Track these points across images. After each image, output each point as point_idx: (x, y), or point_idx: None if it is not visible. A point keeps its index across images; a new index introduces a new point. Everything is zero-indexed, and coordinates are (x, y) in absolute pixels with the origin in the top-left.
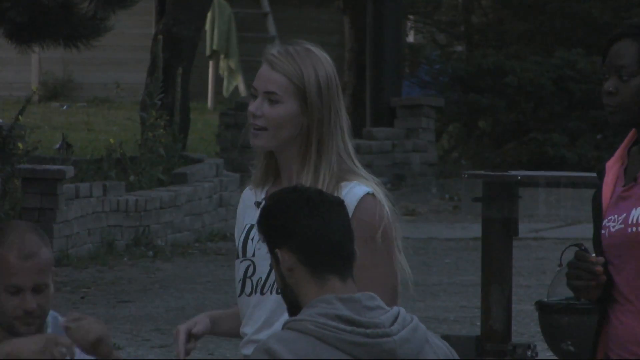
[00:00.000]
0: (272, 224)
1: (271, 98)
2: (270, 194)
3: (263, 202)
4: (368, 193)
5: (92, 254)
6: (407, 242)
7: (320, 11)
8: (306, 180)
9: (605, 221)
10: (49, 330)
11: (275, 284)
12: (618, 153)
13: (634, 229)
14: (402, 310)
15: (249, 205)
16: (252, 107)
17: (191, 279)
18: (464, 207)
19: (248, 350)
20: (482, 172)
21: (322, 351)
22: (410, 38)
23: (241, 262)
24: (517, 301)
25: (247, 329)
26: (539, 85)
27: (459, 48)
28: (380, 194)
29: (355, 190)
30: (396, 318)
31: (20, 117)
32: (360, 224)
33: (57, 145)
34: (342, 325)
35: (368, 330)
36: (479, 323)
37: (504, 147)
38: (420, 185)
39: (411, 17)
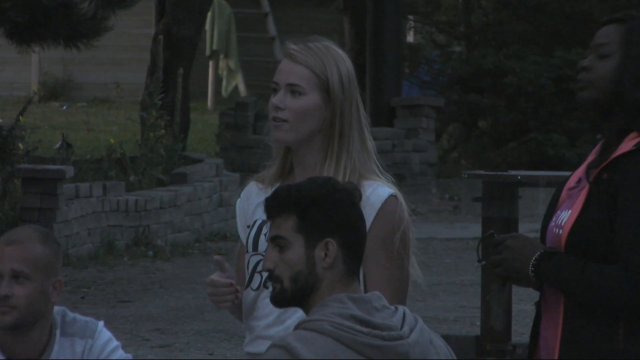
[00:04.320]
0: (325, 213)
1: (294, 90)
2: (313, 180)
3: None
4: (392, 194)
5: (92, 254)
6: None
7: (320, 11)
8: (328, 174)
9: (554, 215)
10: (57, 329)
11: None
12: (598, 145)
13: (558, 231)
14: (407, 309)
15: (256, 202)
16: (275, 99)
17: (191, 279)
18: (464, 207)
19: (256, 348)
20: (482, 172)
21: (339, 352)
22: (410, 38)
23: (252, 256)
24: (517, 301)
25: (254, 323)
26: (539, 85)
27: (459, 48)
28: (401, 196)
29: (379, 191)
30: (403, 319)
31: (21, 117)
32: (383, 225)
33: (57, 145)
34: (358, 327)
35: (384, 333)
36: (479, 323)
37: (504, 147)
38: (420, 185)
39: (411, 17)
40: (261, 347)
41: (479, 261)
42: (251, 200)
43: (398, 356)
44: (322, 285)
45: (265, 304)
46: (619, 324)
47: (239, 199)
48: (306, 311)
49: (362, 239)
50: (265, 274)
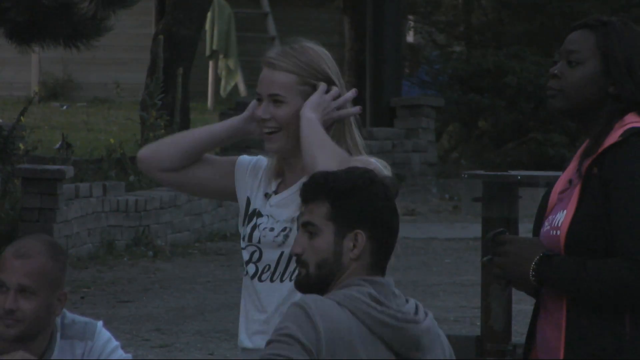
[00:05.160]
0: (358, 204)
1: (276, 99)
2: (352, 169)
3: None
4: (371, 160)
5: (92, 254)
6: (407, 242)
7: (320, 11)
8: None
9: (546, 220)
10: (58, 332)
11: (287, 271)
12: (580, 149)
13: (555, 232)
14: (418, 302)
15: (261, 184)
16: (260, 112)
17: (191, 279)
18: (464, 207)
19: (254, 343)
20: (482, 172)
21: (354, 325)
22: (410, 38)
23: (246, 246)
24: (517, 301)
25: (256, 315)
26: (539, 85)
27: (459, 48)
28: (380, 164)
29: (357, 157)
30: (417, 308)
31: (22, 118)
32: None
33: (57, 145)
34: (373, 303)
35: (398, 314)
36: (479, 323)
37: (504, 147)
38: (420, 185)
39: (411, 17)
40: (260, 342)
41: (485, 257)
42: (258, 174)
43: (408, 339)
44: (344, 275)
45: (262, 296)
46: (624, 320)
47: (251, 159)
48: None
49: (393, 235)
50: (260, 266)
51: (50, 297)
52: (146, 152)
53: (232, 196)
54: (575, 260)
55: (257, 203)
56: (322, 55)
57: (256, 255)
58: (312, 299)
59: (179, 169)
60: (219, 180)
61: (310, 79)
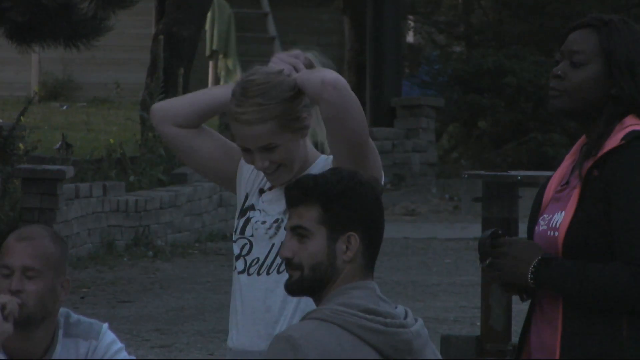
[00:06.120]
0: (350, 206)
1: (268, 147)
2: (338, 172)
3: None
4: None
5: (92, 254)
6: (407, 242)
7: (320, 11)
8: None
9: (540, 218)
10: (60, 330)
11: (274, 263)
12: (575, 146)
13: (553, 233)
14: (407, 309)
15: (260, 181)
16: (258, 165)
17: (191, 279)
18: (464, 207)
19: (241, 341)
20: (482, 172)
21: (344, 338)
22: (410, 38)
23: (238, 239)
24: (517, 301)
25: (242, 311)
26: (539, 85)
27: (459, 48)
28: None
29: None
30: (406, 314)
31: (22, 118)
32: None
33: (57, 145)
34: (361, 313)
35: (387, 320)
36: (479, 323)
37: (504, 147)
38: (420, 185)
39: (411, 17)
40: (246, 341)
41: (482, 262)
42: (252, 172)
43: (401, 343)
44: (339, 278)
45: (249, 291)
46: (622, 322)
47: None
48: (317, 302)
49: (381, 234)
50: (249, 259)
51: (54, 281)
52: (163, 103)
53: (230, 183)
54: (575, 264)
55: (253, 198)
56: (268, 77)
57: (246, 248)
58: (295, 330)
59: (191, 127)
60: (223, 160)
61: (281, 104)
